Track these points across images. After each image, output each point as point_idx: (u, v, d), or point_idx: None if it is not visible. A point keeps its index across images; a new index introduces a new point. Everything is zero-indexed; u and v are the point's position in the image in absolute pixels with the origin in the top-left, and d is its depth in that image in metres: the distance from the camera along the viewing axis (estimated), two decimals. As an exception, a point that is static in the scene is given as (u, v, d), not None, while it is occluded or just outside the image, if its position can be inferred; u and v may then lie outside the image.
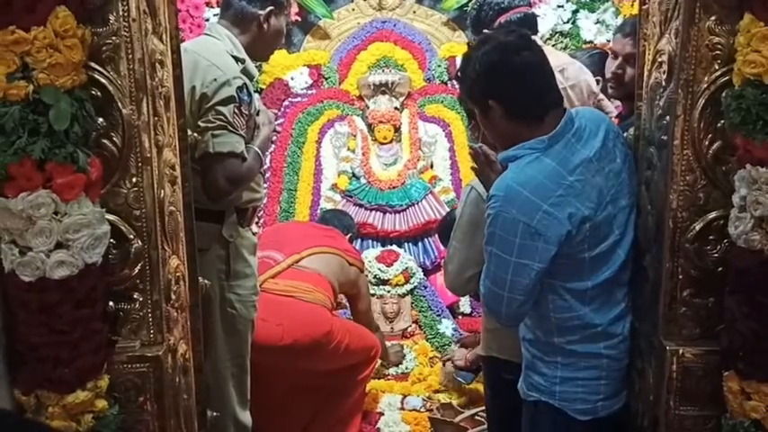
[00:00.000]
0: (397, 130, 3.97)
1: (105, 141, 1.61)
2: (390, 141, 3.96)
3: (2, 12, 1.42)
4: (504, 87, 1.77)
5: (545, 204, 1.71)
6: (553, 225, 1.72)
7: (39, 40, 1.43)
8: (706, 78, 1.63)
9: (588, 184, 1.76)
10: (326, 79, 4.06)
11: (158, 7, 1.70)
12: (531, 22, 2.87)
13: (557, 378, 1.88)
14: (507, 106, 1.77)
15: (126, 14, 1.57)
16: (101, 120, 1.59)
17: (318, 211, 3.80)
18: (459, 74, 1.88)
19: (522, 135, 1.79)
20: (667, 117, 1.73)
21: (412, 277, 3.70)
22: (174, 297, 1.80)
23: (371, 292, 3.60)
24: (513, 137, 1.81)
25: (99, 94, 1.58)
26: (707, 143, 1.66)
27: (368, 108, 3.97)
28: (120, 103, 1.60)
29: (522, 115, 1.78)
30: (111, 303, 1.67)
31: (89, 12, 1.54)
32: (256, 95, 2.42)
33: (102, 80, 1.58)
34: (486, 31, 2.82)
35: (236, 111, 2.19)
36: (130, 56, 1.59)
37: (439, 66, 4.05)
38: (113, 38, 1.57)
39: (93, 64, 1.56)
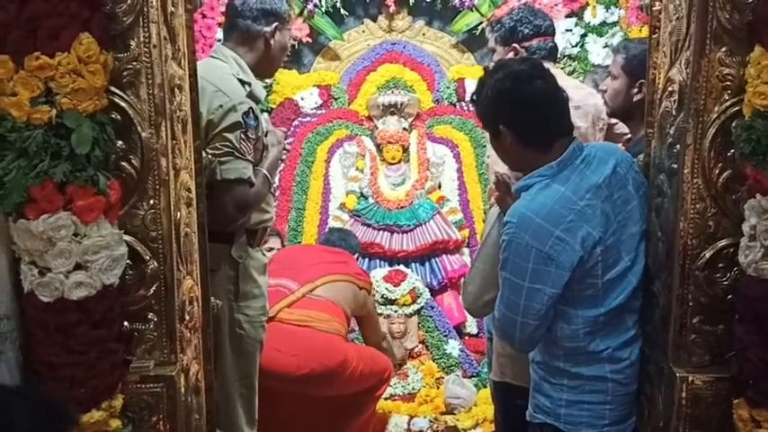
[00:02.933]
0: (406, 150, 4.00)
1: (124, 164, 1.64)
2: (399, 162, 3.99)
3: (27, 38, 1.45)
4: (515, 114, 1.81)
5: (557, 230, 1.74)
6: (566, 251, 1.75)
7: (63, 66, 1.46)
8: (716, 108, 1.66)
9: (597, 208, 1.79)
10: (336, 99, 4.09)
11: (177, 33, 1.73)
12: (553, 51, 2.96)
13: (562, 401, 1.89)
14: (517, 132, 1.82)
15: (147, 40, 1.60)
16: (120, 143, 1.62)
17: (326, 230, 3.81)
18: (473, 97, 1.93)
19: (531, 160, 1.83)
20: (678, 146, 1.75)
21: (419, 297, 3.71)
22: (187, 317, 1.82)
23: (378, 311, 3.61)
24: (522, 161, 1.87)
25: (119, 117, 1.61)
26: (717, 172, 1.69)
27: (377, 128, 4.00)
28: (139, 127, 1.63)
29: (531, 141, 1.83)
30: (126, 323, 1.69)
31: (111, 38, 1.57)
32: (265, 115, 2.42)
33: (123, 104, 1.61)
34: (515, 45, 2.87)
35: (243, 136, 2.19)
36: (150, 81, 1.62)
37: (447, 87, 4.08)
38: (134, 63, 1.60)
39: (113, 88, 1.59)
